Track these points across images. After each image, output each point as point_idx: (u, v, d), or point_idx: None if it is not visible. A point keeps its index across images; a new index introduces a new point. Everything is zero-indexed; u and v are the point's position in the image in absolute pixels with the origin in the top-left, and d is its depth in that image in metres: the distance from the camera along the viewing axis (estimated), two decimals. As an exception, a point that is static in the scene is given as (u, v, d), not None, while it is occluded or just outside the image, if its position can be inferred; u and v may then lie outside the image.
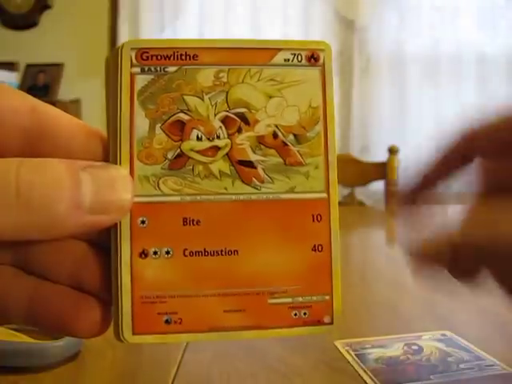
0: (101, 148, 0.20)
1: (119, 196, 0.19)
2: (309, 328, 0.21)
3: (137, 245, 0.20)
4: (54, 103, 2.31)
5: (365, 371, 0.34)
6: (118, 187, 0.19)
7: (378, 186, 1.52)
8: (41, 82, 2.26)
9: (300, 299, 0.21)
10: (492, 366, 0.35)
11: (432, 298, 0.50)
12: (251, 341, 0.40)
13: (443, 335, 0.40)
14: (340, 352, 0.38)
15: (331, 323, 0.21)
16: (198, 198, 0.20)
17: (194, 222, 0.20)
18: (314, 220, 0.21)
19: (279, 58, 0.21)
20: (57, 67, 2.28)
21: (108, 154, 0.20)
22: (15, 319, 0.20)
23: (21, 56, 2.29)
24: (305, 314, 0.21)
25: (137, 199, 0.20)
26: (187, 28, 2.25)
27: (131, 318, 0.20)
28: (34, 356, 0.34)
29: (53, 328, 0.20)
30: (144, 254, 0.20)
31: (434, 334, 0.40)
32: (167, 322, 0.20)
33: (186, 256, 0.20)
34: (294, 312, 0.21)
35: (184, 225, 0.20)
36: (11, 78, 2.18)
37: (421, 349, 0.38)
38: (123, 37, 2.24)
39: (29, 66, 2.29)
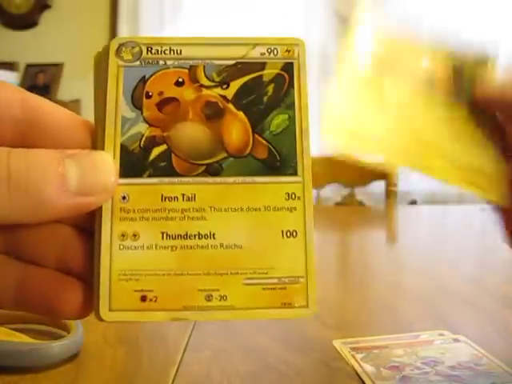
0: (89, 137, 0.21)
1: (103, 178, 0.20)
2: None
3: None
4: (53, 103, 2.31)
5: (364, 371, 0.34)
6: (102, 170, 0.20)
7: (378, 186, 1.52)
8: (41, 82, 2.26)
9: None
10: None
11: (431, 297, 0.51)
12: (251, 340, 0.40)
13: (441, 335, 0.40)
14: (339, 352, 0.38)
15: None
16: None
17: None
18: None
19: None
20: (57, 67, 2.28)
21: (94, 142, 0.21)
22: (4, 304, 0.21)
23: (21, 56, 2.30)
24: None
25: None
26: (187, 28, 2.25)
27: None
28: (34, 356, 0.34)
29: (39, 310, 0.21)
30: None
31: (432, 333, 0.40)
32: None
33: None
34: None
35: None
36: (11, 77, 2.18)
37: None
38: (123, 37, 2.25)
39: (29, 66, 2.29)
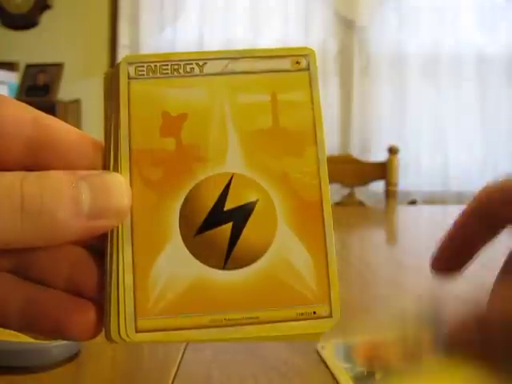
0: (100, 157, 0.21)
1: (115, 201, 0.19)
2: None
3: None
4: (53, 103, 2.30)
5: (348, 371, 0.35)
6: (114, 192, 0.19)
7: (378, 185, 1.52)
8: (41, 82, 2.26)
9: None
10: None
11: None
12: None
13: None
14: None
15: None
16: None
17: None
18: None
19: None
20: (57, 67, 2.28)
21: (106, 162, 0.21)
22: (10, 324, 0.20)
23: (21, 56, 2.30)
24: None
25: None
26: (187, 28, 2.26)
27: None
28: (34, 356, 0.35)
29: (48, 332, 0.20)
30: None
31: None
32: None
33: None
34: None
35: None
36: (11, 78, 2.18)
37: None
38: (123, 37, 2.25)
39: (29, 66, 2.29)
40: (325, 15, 2.25)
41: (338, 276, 0.21)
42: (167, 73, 0.22)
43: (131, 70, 0.22)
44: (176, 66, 0.22)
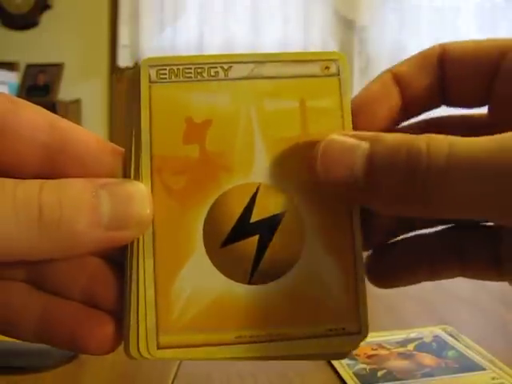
0: (119, 164, 0.20)
1: (137, 211, 0.19)
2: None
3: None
4: (54, 103, 2.30)
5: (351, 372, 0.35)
6: (135, 202, 0.19)
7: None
8: (41, 82, 2.26)
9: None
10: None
11: (431, 297, 0.50)
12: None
13: (438, 334, 0.40)
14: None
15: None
16: None
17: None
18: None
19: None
20: (57, 67, 2.28)
21: (126, 169, 0.20)
22: (25, 336, 0.20)
23: (21, 56, 2.30)
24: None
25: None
26: (187, 28, 2.25)
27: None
28: (34, 356, 0.35)
29: (64, 345, 0.20)
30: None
31: (432, 330, 0.41)
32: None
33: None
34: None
35: None
36: (11, 77, 2.18)
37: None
38: (123, 37, 2.25)
39: (29, 66, 2.29)
40: (325, 15, 2.25)
41: (366, 291, 0.21)
42: (190, 76, 0.21)
43: (152, 72, 0.20)
44: (200, 70, 0.21)
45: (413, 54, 0.25)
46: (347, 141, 0.19)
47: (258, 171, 0.20)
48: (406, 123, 0.25)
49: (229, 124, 0.20)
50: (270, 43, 2.20)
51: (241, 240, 0.20)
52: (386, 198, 0.18)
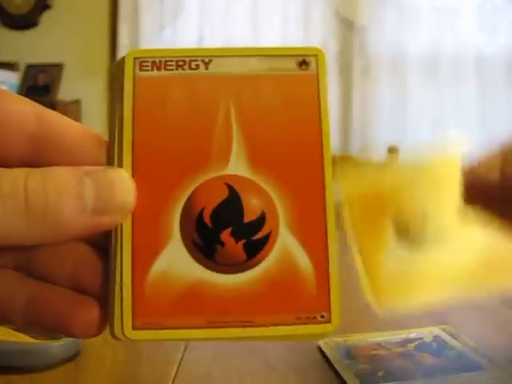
0: (104, 153, 0.21)
1: (120, 197, 0.19)
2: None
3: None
4: (54, 103, 2.29)
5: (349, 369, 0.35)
6: (119, 189, 0.19)
7: (378, 186, 1.52)
8: (41, 82, 2.26)
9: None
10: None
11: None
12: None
13: (438, 333, 0.40)
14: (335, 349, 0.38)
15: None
16: None
17: None
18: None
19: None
20: (57, 67, 2.28)
21: (109, 158, 0.21)
22: (14, 320, 0.20)
23: (21, 56, 2.30)
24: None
25: None
26: (187, 28, 2.25)
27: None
28: (34, 356, 0.35)
29: (51, 329, 0.20)
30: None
31: (432, 330, 0.41)
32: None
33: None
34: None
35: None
36: (11, 77, 2.18)
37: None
38: (123, 37, 2.25)
39: (29, 66, 2.29)
40: (325, 15, 2.25)
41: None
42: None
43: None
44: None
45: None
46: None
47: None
48: None
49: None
50: (269, 43, 2.20)
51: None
52: None
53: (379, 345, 0.38)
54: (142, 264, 0.20)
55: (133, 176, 0.20)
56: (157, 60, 0.21)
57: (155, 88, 0.21)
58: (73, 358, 0.36)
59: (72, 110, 2.22)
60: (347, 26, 2.25)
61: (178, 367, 0.36)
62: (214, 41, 2.23)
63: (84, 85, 2.29)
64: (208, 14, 2.25)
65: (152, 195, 0.21)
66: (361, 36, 2.24)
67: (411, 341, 0.39)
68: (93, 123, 2.21)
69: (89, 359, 0.36)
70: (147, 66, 0.21)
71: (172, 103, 0.21)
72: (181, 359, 0.37)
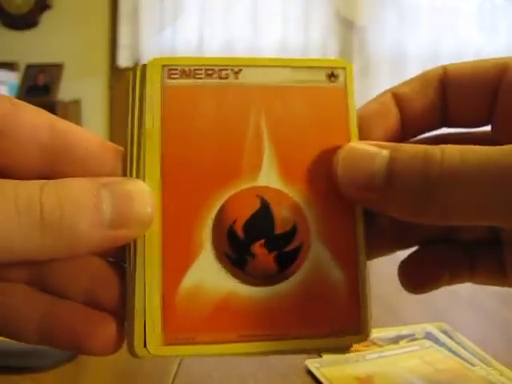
0: (119, 163, 0.20)
1: (138, 210, 0.18)
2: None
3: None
4: (53, 103, 2.29)
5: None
6: (137, 201, 0.18)
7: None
8: (41, 82, 2.26)
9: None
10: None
11: (432, 296, 0.50)
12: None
13: (430, 330, 0.40)
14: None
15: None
16: None
17: None
18: None
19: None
20: (57, 67, 2.28)
21: (126, 168, 0.20)
22: (27, 338, 0.20)
23: (21, 56, 2.29)
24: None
25: None
26: (187, 28, 2.25)
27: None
28: (34, 356, 0.34)
29: (66, 346, 0.20)
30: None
31: (424, 327, 0.41)
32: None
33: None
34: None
35: None
36: (11, 78, 2.18)
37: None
38: (123, 37, 2.25)
39: (29, 66, 2.29)
40: (325, 15, 2.25)
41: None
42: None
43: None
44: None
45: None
46: (368, 148, 0.20)
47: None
48: (414, 139, 0.25)
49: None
50: (269, 43, 2.20)
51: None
52: (403, 203, 0.19)
53: (371, 341, 0.39)
54: (172, 277, 0.20)
55: (162, 188, 0.20)
56: (186, 68, 0.21)
57: (184, 97, 0.20)
58: (73, 358, 0.36)
59: (72, 110, 2.22)
60: (347, 26, 2.25)
61: (178, 367, 0.36)
62: (214, 41, 2.23)
63: (84, 85, 2.29)
64: (208, 14, 2.25)
65: (182, 207, 0.20)
66: (361, 36, 2.24)
67: (403, 337, 0.39)
68: (93, 123, 2.20)
69: (89, 359, 0.36)
70: (176, 73, 0.20)
71: (202, 113, 0.20)
72: (181, 360, 0.37)
